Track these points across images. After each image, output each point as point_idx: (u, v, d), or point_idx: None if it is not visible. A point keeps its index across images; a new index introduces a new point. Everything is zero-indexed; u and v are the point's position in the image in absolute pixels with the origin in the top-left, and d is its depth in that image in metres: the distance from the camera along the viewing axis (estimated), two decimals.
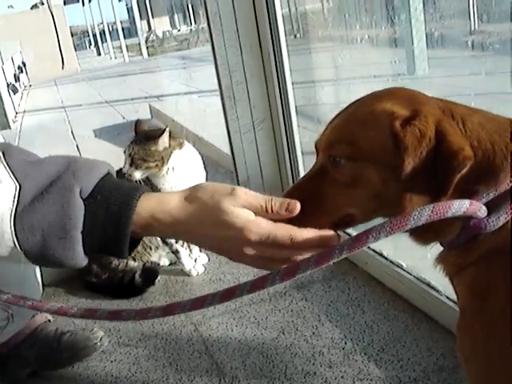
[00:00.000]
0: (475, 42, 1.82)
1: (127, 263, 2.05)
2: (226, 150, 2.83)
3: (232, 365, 1.58)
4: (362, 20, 2.27)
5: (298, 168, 2.36)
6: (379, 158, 0.78)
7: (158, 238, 2.10)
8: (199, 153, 2.15)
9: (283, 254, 0.80)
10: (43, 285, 1.67)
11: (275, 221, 0.80)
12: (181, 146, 2.04)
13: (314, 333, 1.66)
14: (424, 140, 0.74)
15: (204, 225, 0.79)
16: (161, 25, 32.19)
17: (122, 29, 19.60)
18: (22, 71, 12.43)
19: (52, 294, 2.09)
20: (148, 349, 1.71)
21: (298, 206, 0.80)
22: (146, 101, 6.57)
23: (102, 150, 4.66)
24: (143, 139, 1.97)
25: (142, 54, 17.24)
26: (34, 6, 16.41)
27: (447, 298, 1.54)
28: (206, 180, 2.15)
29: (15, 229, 0.77)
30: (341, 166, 0.81)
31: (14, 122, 7.20)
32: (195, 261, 2.15)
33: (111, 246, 0.80)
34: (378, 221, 0.85)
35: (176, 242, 2.09)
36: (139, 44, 17.82)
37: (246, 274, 2.04)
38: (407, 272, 1.73)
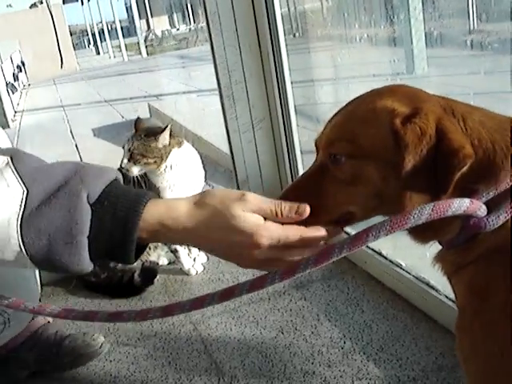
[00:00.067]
0: (474, 41, 1.82)
1: None
2: (225, 149, 2.83)
3: (231, 364, 1.58)
4: (361, 19, 2.27)
5: (297, 167, 2.36)
6: (379, 156, 0.78)
7: None
8: (198, 152, 2.15)
9: (293, 255, 0.80)
10: (42, 284, 1.66)
11: (283, 224, 0.80)
12: (180, 144, 2.04)
13: (313, 332, 1.66)
14: (424, 138, 0.74)
15: (214, 231, 0.79)
16: (160, 24, 32.18)
17: (121, 28, 19.61)
18: (20, 70, 12.42)
19: (51, 294, 2.09)
20: (147, 348, 1.71)
21: (307, 209, 0.81)
22: (145, 100, 6.57)
23: (100, 149, 4.66)
24: (144, 135, 1.98)
25: (141, 53, 17.25)
26: (33, 5, 16.42)
27: (446, 297, 1.54)
28: (205, 179, 2.16)
29: (22, 233, 0.77)
30: (341, 163, 0.80)
31: (12, 122, 7.20)
32: (194, 260, 2.15)
33: (117, 251, 0.79)
34: (378, 218, 0.85)
35: None
36: (138, 43, 17.84)
37: (245, 273, 2.04)
38: (406, 271, 1.72)
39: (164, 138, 1.97)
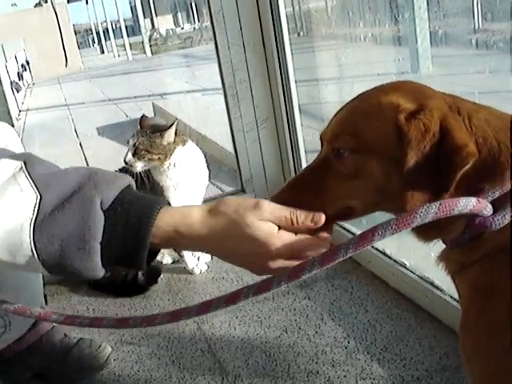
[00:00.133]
0: (479, 40, 1.81)
1: None
2: (230, 148, 2.83)
3: (235, 363, 1.57)
4: (365, 18, 2.26)
5: (301, 166, 2.35)
6: (383, 151, 0.77)
7: None
8: (202, 151, 2.15)
9: None
10: (45, 283, 1.66)
11: (296, 233, 0.80)
12: (184, 143, 2.04)
13: (316, 332, 1.66)
14: (428, 134, 0.74)
15: (227, 239, 0.80)
16: (164, 23, 32.18)
17: (126, 27, 19.63)
18: (25, 69, 12.44)
19: (55, 292, 2.09)
20: (151, 347, 1.71)
21: (322, 218, 0.81)
22: (150, 99, 6.58)
23: (105, 148, 4.67)
24: (149, 131, 1.98)
25: (145, 52, 17.25)
26: (38, 4, 16.44)
27: (451, 297, 1.54)
28: (209, 178, 2.15)
29: (34, 238, 0.77)
30: (344, 157, 0.80)
31: (17, 120, 7.22)
32: (198, 259, 2.15)
33: (129, 257, 0.80)
34: (378, 215, 0.85)
35: None
36: (142, 42, 17.84)
37: (249, 272, 2.03)
38: (410, 271, 1.72)
39: (169, 135, 1.97)
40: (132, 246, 0.79)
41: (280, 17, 2.16)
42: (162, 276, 2.09)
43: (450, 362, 1.43)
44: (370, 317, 1.68)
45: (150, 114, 5.47)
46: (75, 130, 5.92)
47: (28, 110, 8.49)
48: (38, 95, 10.57)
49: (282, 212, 0.80)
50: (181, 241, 0.81)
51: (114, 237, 0.78)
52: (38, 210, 0.78)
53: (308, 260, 0.74)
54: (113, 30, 21.53)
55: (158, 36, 24.89)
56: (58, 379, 1.63)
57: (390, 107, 0.78)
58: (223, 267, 2.13)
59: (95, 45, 27.62)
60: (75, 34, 18.21)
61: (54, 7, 15.67)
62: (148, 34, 21.17)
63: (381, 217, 0.86)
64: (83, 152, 4.80)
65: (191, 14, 31.60)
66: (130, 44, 18.10)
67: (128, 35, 18.77)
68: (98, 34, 26.12)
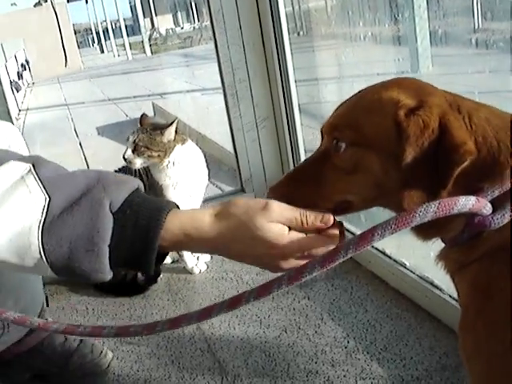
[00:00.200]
0: (479, 39, 1.81)
1: None
2: (229, 147, 2.83)
3: (234, 363, 1.57)
4: (365, 18, 2.26)
5: None
6: (381, 146, 0.78)
7: None
8: (202, 150, 2.15)
9: None
10: (45, 283, 1.66)
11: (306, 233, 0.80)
12: (183, 141, 2.04)
13: (316, 331, 1.66)
14: (427, 131, 0.74)
15: (238, 242, 0.79)
16: (164, 23, 32.16)
17: (126, 26, 19.62)
18: (25, 69, 12.44)
19: (54, 292, 2.09)
20: (150, 347, 1.70)
21: (331, 218, 0.81)
22: (149, 98, 6.57)
23: (105, 148, 4.67)
24: (150, 129, 1.98)
25: (145, 52, 17.25)
26: (38, 4, 16.41)
27: (450, 296, 1.54)
28: (209, 178, 2.15)
29: (42, 240, 0.77)
30: (343, 150, 0.81)
31: (17, 120, 7.21)
32: (197, 259, 2.15)
33: (138, 260, 0.79)
34: (376, 211, 0.85)
35: None
36: (142, 42, 17.83)
37: (249, 272, 2.04)
38: (410, 271, 1.72)
39: (170, 133, 1.97)
40: (140, 249, 0.78)
41: (280, 16, 2.16)
42: (161, 276, 2.09)
43: (449, 362, 1.43)
44: (370, 316, 1.68)
45: (149, 113, 5.46)
46: (75, 130, 5.92)
47: (28, 109, 8.48)
48: (37, 95, 10.56)
49: (292, 213, 0.80)
50: (190, 244, 0.81)
51: (123, 239, 0.78)
52: (46, 212, 0.77)
53: (308, 262, 0.74)
54: (113, 30, 21.51)
55: (158, 36, 24.87)
56: (58, 382, 1.63)
57: (391, 103, 0.78)
58: (223, 267, 2.13)
59: (95, 44, 27.60)
60: (75, 33, 18.20)
61: (53, 7, 15.65)
62: (148, 33, 21.16)
63: (379, 212, 0.86)
64: (83, 152, 4.80)
65: (191, 13, 31.58)
66: (130, 44, 18.10)
67: (128, 35, 18.77)
68: (97, 33, 26.10)
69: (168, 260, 2.19)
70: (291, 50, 2.22)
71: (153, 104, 5.69)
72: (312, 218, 0.80)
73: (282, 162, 2.43)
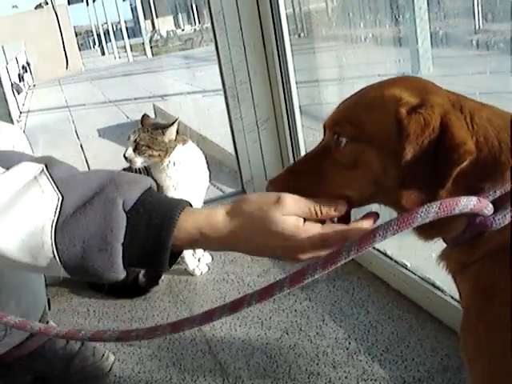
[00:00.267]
0: (480, 40, 1.81)
1: None
2: (230, 149, 2.83)
3: (235, 365, 1.57)
4: (366, 19, 2.26)
5: None
6: (382, 143, 0.78)
7: None
8: (203, 152, 2.15)
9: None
10: (46, 285, 1.66)
11: (322, 222, 0.81)
12: (184, 142, 2.04)
13: (317, 333, 1.65)
14: (427, 129, 0.73)
15: (254, 237, 0.79)
16: (165, 24, 32.19)
17: (126, 28, 19.65)
18: (26, 71, 12.45)
19: (56, 294, 2.09)
20: (151, 349, 1.70)
21: (345, 207, 0.81)
22: (150, 100, 6.58)
23: (106, 150, 4.68)
24: (151, 128, 1.98)
25: (145, 54, 17.27)
26: (39, 6, 16.45)
27: (452, 298, 1.54)
28: (209, 179, 2.15)
29: (55, 240, 0.76)
30: (343, 145, 0.81)
31: (18, 122, 7.22)
32: (199, 260, 2.15)
33: (151, 258, 0.79)
34: (375, 206, 0.85)
35: None
36: (143, 44, 17.86)
37: (250, 273, 2.04)
38: (412, 272, 1.72)
39: (171, 133, 1.97)
40: (154, 248, 0.78)
41: (280, 18, 2.16)
42: (162, 277, 2.09)
43: (451, 363, 1.43)
44: (371, 318, 1.68)
45: (150, 115, 5.45)
46: (76, 132, 5.92)
47: (29, 111, 8.50)
48: (38, 97, 10.58)
49: (306, 204, 0.80)
50: (205, 241, 0.81)
51: (136, 238, 0.78)
52: (59, 212, 0.77)
53: (310, 264, 0.74)
54: (113, 32, 21.54)
55: (159, 37, 24.90)
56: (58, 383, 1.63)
57: (393, 100, 0.78)
58: (224, 269, 2.13)
59: (96, 46, 27.63)
60: (76, 35, 18.23)
61: (54, 9, 15.68)
62: (148, 35, 21.18)
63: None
64: (84, 153, 4.81)
65: (192, 15, 31.61)
66: (131, 45, 18.11)
67: (129, 37, 18.79)
68: (98, 35, 26.14)
69: None
70: (292, 51, 2.22)
71: (154, 106, 5.69)
72: (326, 207, 0.80)
73: (283, 164, 2.43)
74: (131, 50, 17.63)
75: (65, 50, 15.29)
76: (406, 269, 1.74)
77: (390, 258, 1.81)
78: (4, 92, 7.05)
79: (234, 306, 0.79)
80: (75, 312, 1.98)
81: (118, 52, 19.56)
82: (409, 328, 1.60)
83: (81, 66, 15.90)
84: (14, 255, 0.77)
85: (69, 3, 18.54)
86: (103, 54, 23.55)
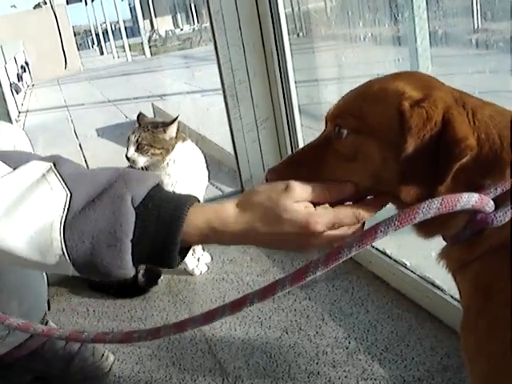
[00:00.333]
0: (479, 40, 1.81)
1: None
2: (229, 148, 2.83)
3: (235, 364, 1.57)
4: (365, 18, 2.27)
5: None
6: (383, 135, 0.77)
7: None
8: (202, 151, 2.14)
9: (352, 230, 0.81)
10: (48, 284, 1.65)
11: (332, 205, 0.80)
12: (183, 140, 2.04)
13: (317, 332, 1.65)
14: (429, 123, 0.74)
15: (267, 228, 0.79)
16: (163, 24, 32.17)
17: (125, 28, 19.60)
18: (24, 71, 12.43)
19: (55, 294, 2.09)
20: (151, 348, 1.70)
21: (353, 187, 0.81)
22: (149, 100, 6.57)
23: (104, 149, 4.67)
24: (151, 127, 1.97)
25: (144, 54, 17.24)
26: (37, 6, 16.42)
27: (451, 297, 1.54)
28: (209, 179, 2.15)
29: (64, 237, 0.76)
30: (344, 137, 0.81)
31: (17, 122, 7.20)
32: (198, 260, 2.14)
33: (161, 254, 0.79)
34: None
35: None
36: (142, 43, 17.82)
37: (249, 273, 2.04)
38: (411, 271, 1.72)
39: (172, 130, 1.97)
40: (163, 243, 0.78)
41: (279, 17, 2.16)
42: (162, 277, 2.08)
43: (451, 362, 1.43)
44: (371, 317, 1.68)
45: (149, 115, 5.40)
46: (75, 132, 5.91)
47: (27, 111, 8.48)
48: (37, 96, 10.56)
49: (315, 189, 0.80)
50: (216, 236, 0.81)
51: (145, 234, 0.78)
52: (68, 208, 0.77)
53: (311, 261, 0.74)
54: (112, 32, 21.50)
55: (158, 37, 24.88)
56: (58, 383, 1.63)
57: (396, 93, 0.78)
58: (223, 268, 2.12)
59: (94, 46, 27.61)
60: (74, 35, 18.19)
61: (53, 9, 15.64)
62: (147, 35, 21.15)
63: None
64: (83, 153, 4.80)
65: (190, 15, 31.58)
66: (130, 45, 18.09)
67: (127, 36, 18.75)
68: (97, 35, 26.12)
69: None
70: (291, 50, 2.22)
71: (152, 105, 5.68)
72: (335, 190, 0.80)
73: None
74: (130, 50, 17.61)
75: (63, 50, 15.26)
76: (406, 268, 1.74)
77: (390, 257, 1.81)
78: (3, 92, 7.03)
79: (236, 305, 0.79)
80: (75, 312, 1.98)
81: (117, 52, 19.54)
82: (408, 327, 1.60)
83: (79, 66, 15.87)
84: (24, 253, 0.77)
85: (67, 3, 18.53)
86: (102, 53, 23.52)
